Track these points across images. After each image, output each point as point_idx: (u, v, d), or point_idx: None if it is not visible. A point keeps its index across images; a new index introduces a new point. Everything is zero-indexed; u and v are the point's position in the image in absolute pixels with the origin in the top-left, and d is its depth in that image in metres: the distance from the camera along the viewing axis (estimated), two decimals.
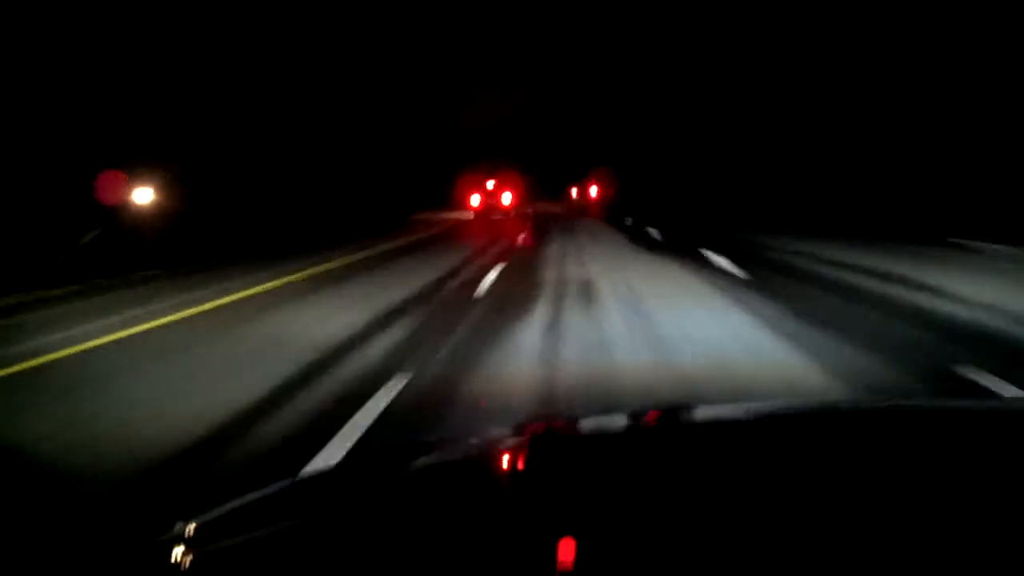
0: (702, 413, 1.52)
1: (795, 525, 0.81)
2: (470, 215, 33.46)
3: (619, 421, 1.59)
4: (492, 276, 10.34)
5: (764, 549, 0.75)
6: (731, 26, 31.21)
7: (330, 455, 3.40)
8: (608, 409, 3.77)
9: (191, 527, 0.99)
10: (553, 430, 1.46)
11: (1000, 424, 1.19)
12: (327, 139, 32.69)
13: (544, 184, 54.49)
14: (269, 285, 10.48)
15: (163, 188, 20.63)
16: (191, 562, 0.89)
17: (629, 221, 24.46)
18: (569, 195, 56.69)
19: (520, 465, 1.20)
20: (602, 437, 1.35)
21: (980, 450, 1.03)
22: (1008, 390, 3.93)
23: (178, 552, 0.91)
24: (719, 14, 32.37)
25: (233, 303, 8.87)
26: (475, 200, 34.31)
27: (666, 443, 1.23)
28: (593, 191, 51.40)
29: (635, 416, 1.57)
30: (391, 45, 41.23)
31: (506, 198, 34.05)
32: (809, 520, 0.81)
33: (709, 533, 0.80)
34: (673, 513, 0.86)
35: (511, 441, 1.38)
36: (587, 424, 1.53)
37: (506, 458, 1.26)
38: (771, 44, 27.97)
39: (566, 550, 0.78)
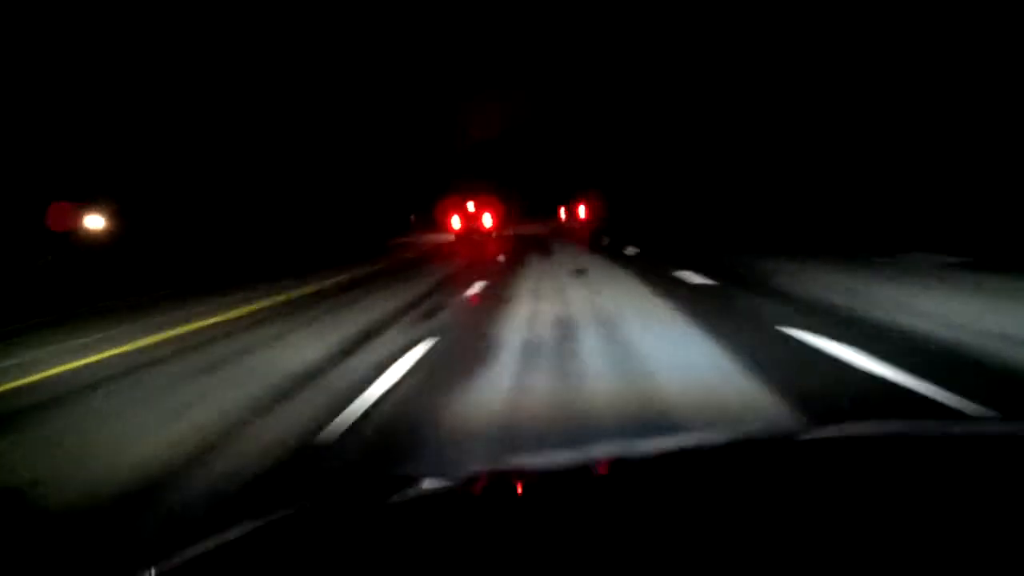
0: (665, 445, 1.50)
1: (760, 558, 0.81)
2: (451, 237, 33.46)
3: (575, 461, 1.49)
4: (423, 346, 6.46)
5: None
6: (721, 47, 30.94)
7: None
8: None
9: (161, 570, 1.00)
10: (506, 477, 1.41)
11: (973, 446, 1.20)
12: (305, 164, 32.32)
13: (529, 205, 54.13)
14: (175, 332, 9.05)
15: (114, 216, 20.33)
16: None
17: (631, 251, 19.48)
18: (557, 216, 56.39)
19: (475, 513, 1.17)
20: (557, 484, 1.29)
21: (950, 472, 1.05)
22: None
23: None
24: (705, 35, 32.11)
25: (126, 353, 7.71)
26: (456, 222, 34.38)
27: (631, 486, 1.20)
28: (581, 212, 51.21)
29: (593, 457, 1.48)
30: (371, 66, 40.93)
31: (487, 220, 34.00)
32: (776, 554, 0.82)
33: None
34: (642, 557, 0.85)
35: (463, 487, 1.36)
36: (541, 467, 1.48)
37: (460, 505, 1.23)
38: (762, 67, 27.71)
39: None
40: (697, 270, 10.85)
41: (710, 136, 33.21)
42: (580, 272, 12.46)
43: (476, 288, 11.32)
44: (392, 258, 23.36)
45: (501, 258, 18.48)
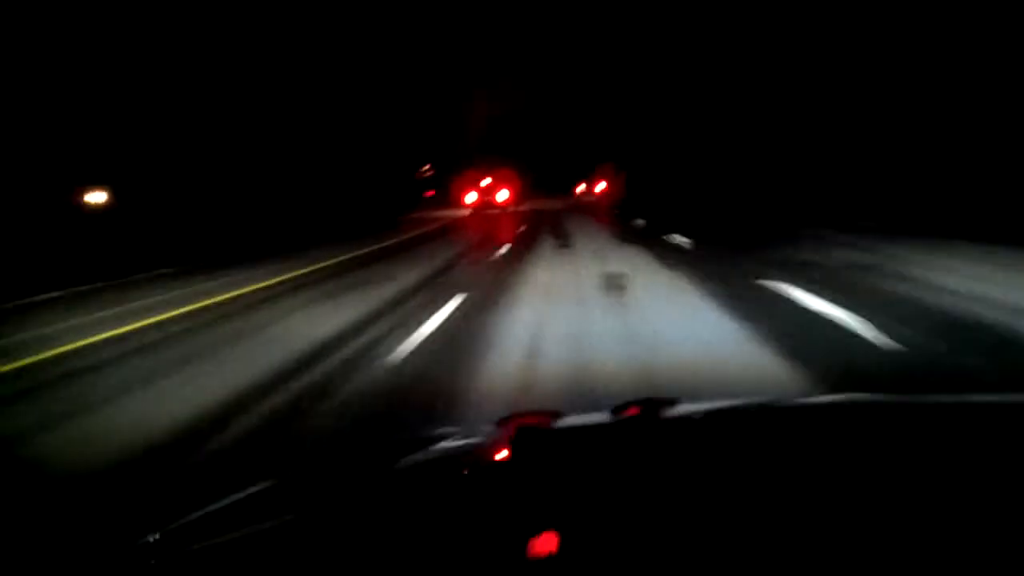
0: (683, 409, 1.47)
1: (777, 522, 0.81)
2: (466, 212, 33.43)
3: (601, 416, 1.48)
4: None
5: (745, 546, 0.76)
6: (738, 19, 30.28)
7: None
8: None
9: (171, 530, 1.03)
10: (535, 427, 1.44)
11: (984, 419, 1.18)
12: (320, 137, 31.91)
13: (546, 180, 53.55)
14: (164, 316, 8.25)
15: (121, 190, 20.15)
16: (173, 566, 0.92)
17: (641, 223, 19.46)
18: (575, 192, 55.74)
19: (503, 462, 1.21)
20: (584, 433, 1.35)
21: (960, 444, 1.04)
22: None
23: (159, 556, 0.95)
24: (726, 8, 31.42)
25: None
26: (471, 198, 34.48)
27: (648, 440, 1.21)
28: (599, 187, 50.58)
29: (617, 411, 1.43)
30: (389, 38, 40.36)
31: (502, 195, 33.85)
32: (792, 518, 0.82)
33: (690, 529, 0.81)
34: (656, 510, 0.86)
35: (494, 438, 1.39)
36: (569, 420, 1.50)
37: (489, 456, 1.28)
38: (775, 37, 27.13)
39: (547, 543, 0.80)
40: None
41: (726, 112, 32.71)
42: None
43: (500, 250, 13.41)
44: (411, 231, 22.88)
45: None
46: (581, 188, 54.72)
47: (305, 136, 30.29)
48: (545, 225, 20.66)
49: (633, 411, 1.37)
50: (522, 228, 20.24)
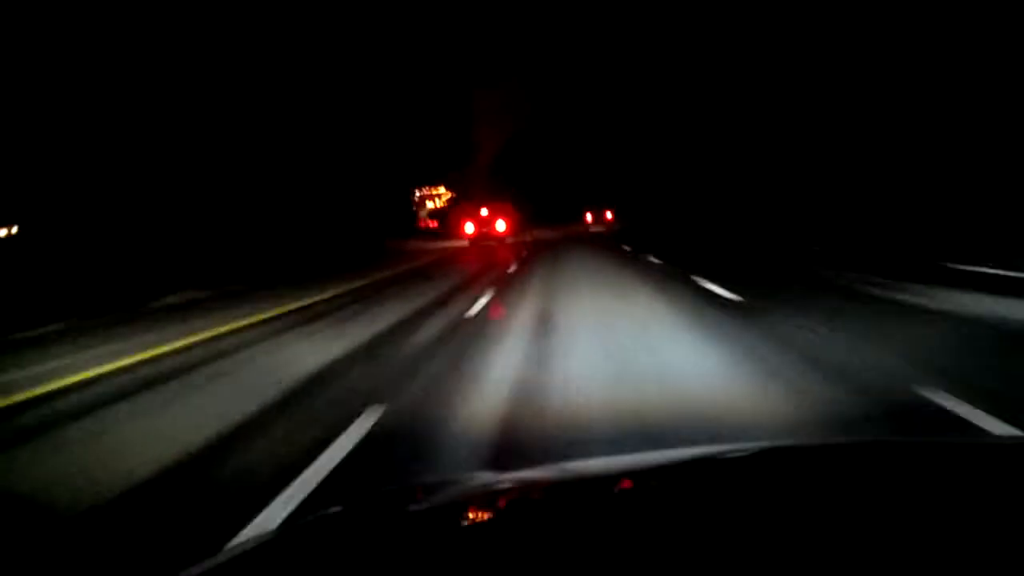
0: (676, 456, 1.49)
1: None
2: (464, 243, 32.85)
3: (591, 470, 1.48)
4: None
5: None
6: (736, 41, 29.84)
7: None
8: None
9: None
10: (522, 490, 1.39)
11: (987, 461, 1.20)
12: (304, 152, 29.79)
13: (550, 209, 51.64)
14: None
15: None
16: None
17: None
18: (584, 220, 53.92)
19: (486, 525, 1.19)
20: (577, 504, 1.25)
21: (969, 487, 1.04)
22: None
23: None
24: (722, 28, 30.77)
25: None
26: (469, 228, 33.97)
27: (646, 501, 1.18)
28: (590, 218, 49.87)
29: (608, 470, 1.44)
30: (385, 58, 38.29)
31: (500, 226, 32.41)
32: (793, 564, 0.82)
33: None
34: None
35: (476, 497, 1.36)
36: (555, 475, 1.51)
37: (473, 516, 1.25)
38: (776, 60, 26.47)
39: None
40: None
41: (727, 137, 32.18)
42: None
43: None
44: (396, 267, 19.92)
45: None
46: (590, 217, 52.87)
47: (288, 150, 28.00)
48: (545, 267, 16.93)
49: (627, 484, 1.34)
50: (513, 268, 16.81)
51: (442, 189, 59.34)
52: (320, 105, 30.34)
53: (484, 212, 34.10)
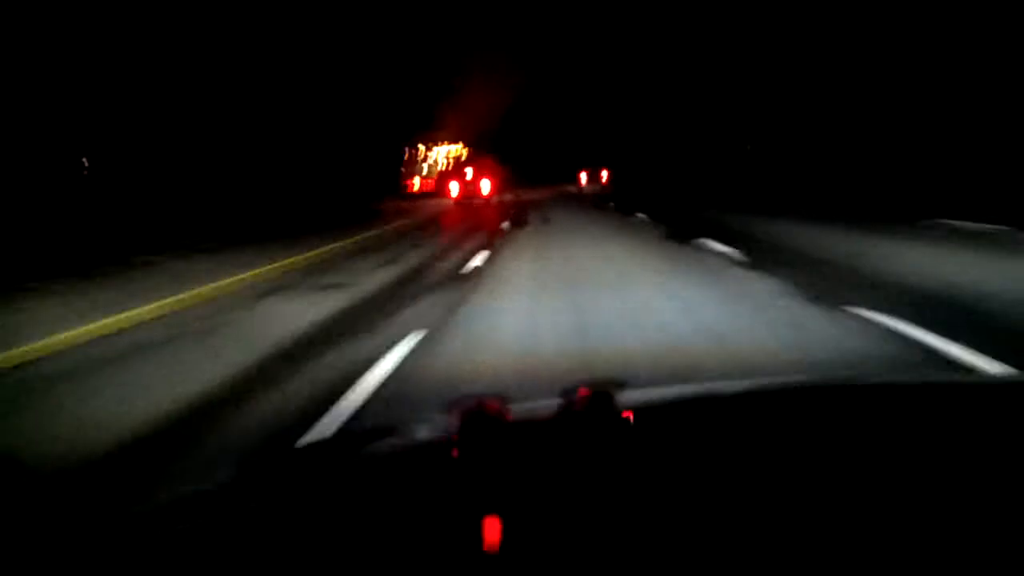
0: (633, 396, 1.47)
1: (732, 511, 0.79)
2: (450, 203, 32.37)
3: (551, 403, 1.42)
4: None
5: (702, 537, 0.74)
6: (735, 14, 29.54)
7: None
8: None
9: (153, 506, 1.07)
10: (484, 417, 1.37)
11: (991, 400, 1.18)
12: (300, 128, 29.49)
13: (541, 170, 51.24)
14: None
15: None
16: (162, 538, 0.92)
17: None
18: (578, 181, 53.61)
19: (452, 456, 1.19)
20: (536, 423, 1.32)
21: (974, 427, 1.03)
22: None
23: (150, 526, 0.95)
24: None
25: None
26: (454, 188, 33.46)
27: (601, 425, 1.20)
28: (584, 179, 49.55)
29: (567, 396, 1.40)
30: (376, 23, 37.59)
31: (485, 186, 32.07)
32: (752, 504, 0.81)
33: (643, 518, 0.79)
34: (615, 499, 0.85)
35: (444, 430, 1.35)
36: (519, 408, 1.47)
37: (438, 450, 1.24)
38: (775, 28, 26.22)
39: (492, 533, 0.80)
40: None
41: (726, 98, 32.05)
42: None
43: None
44: (376, 227, 19.46)
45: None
46: (584, 177, 52.47)
47: (274, 110, 27.70)
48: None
49: (584, 393, 1.39)
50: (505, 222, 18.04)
51: (452, 146, 57.37)
52: (303, 65, 29.87)
53: (469, 173, 33.88)
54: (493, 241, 13.26)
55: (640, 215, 17.58)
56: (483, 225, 18.02)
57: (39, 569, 0.87)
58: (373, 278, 9.25)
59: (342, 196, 30.59)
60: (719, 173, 31.43)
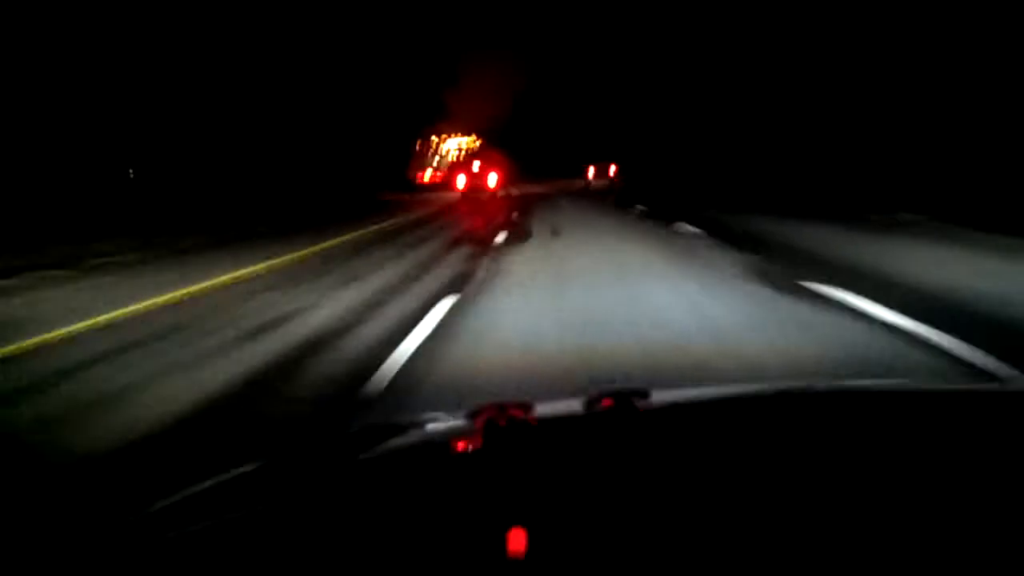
0: (662, 397, 1.48)
1: (755, 514, 0.80)
2: (456, 196, 33.04)
3: (575, 406, 1.51)
4: None
5: (724, 540, 0.75)
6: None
7: None
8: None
9: (159, 507, 1.03)
10: (509, 417, 1.39)
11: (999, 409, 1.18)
12: (305, 123, 30.22)
13: (548, 164, 51.74)
14: None
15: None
16: (160, 543, 0.92)
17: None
18: (586, 175, 53.97)
19: (473, 456, 1.19)
20: (559, 425, 1.33)
21: (977, 435, 1.03)
22: None
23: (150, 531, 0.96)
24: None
25: None
26: (461, 181, 34.05)
27: (625, 430, 1.19)
28: (591, 173, 49.70)
29: (592, 403, 1.43)
30: (381, 21, 38.25)
31: (491, 179, 32.90)
32: (774, 507, 0.81)
33: (665, 523, 0.79)
34: (632, 504, 0.85)
35: (465, 430, 1.36)
36: (542, 410, 1.46)
37: (459, 448, 1.26)
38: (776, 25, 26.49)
39: (517, 540, 0.79)
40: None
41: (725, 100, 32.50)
42: None
43: None
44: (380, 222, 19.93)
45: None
46: (592, 172, 52.84)
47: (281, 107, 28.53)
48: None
49: (607, 402, 1.38)
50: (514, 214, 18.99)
51: (464, 138, 57.87)
52: (317, 65, 30.67)
53: (476, 166, 34.49)
54: (472, 273, 8.70)
55: (687, 226, 12.64)
56: (472, 236, 14.24)
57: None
58: None
59: (349, 189, 31.53)
60: (732, 170, 31.62)
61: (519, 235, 13.12)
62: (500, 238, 12.67)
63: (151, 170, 23.43)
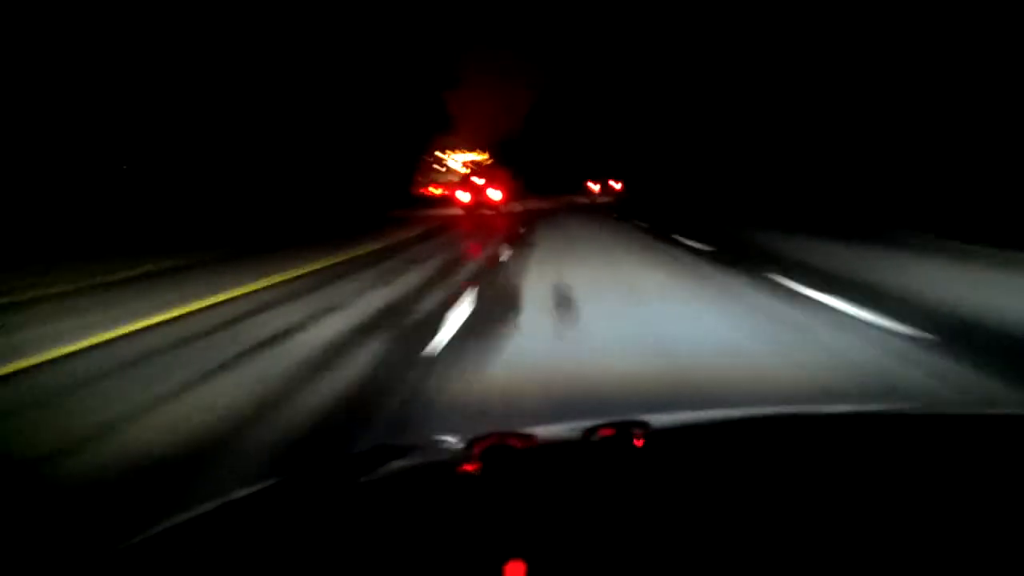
0: (661, 421, 1.48)
1: (760, 540, 0.79)
2: (460, 211, 32.79)
3: (575, 433, 1.46)
4: None
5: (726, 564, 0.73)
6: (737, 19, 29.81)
7: None
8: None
9: (151, 535, 1.01)
10: (505, 445, 1.40)
11: (996, 431, 1.19)
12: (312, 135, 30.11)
13: (552, 180, 51.81)
14: None
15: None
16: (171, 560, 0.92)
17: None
18: (590, 190, 54.11)
19: (471, 481, 1.19)
20: (559, 454, 1.31)
21: (976, 456, 1.03)
22: None
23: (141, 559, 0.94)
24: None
25: None
26: (464, 197, 33.93)
27: (623, 458, 1.20)
28: (616, 187, 50.11)
29: (591, 432, 1.40)
30: (384, 33, 38.27)
31: (495, 194, 32.90)
32: (778, 533, 0.80)
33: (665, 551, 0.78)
34: (629, 534, 0.84)
35: (463, 454, 1.35)
36: (542, 438, 1.46)
37: (457, 474, 1.24)
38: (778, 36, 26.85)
39: (515, 571, 0.77)
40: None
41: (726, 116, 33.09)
42: None
43: None
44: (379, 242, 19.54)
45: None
46: (596, 188, 52.96)
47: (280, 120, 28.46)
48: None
49: (607, 432, 1.36)
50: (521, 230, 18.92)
51: (470, 154, 58.16)
52: (323, 78, 30.63)
53: (479, 181, 34.47)
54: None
55: (691, 242, 12.72)
56: (475, 254, 13.52)
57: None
58: None
59: (351, 203, 31.38)
60: (738, 184, 31.56)
61: (523, 252, 12.82)
62: (505, 255, 12.40)
63: (149, 181, 23.21)
